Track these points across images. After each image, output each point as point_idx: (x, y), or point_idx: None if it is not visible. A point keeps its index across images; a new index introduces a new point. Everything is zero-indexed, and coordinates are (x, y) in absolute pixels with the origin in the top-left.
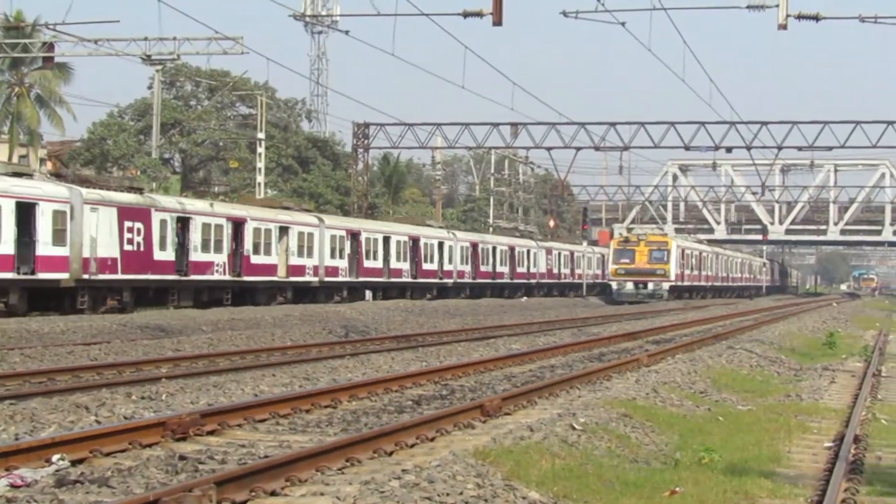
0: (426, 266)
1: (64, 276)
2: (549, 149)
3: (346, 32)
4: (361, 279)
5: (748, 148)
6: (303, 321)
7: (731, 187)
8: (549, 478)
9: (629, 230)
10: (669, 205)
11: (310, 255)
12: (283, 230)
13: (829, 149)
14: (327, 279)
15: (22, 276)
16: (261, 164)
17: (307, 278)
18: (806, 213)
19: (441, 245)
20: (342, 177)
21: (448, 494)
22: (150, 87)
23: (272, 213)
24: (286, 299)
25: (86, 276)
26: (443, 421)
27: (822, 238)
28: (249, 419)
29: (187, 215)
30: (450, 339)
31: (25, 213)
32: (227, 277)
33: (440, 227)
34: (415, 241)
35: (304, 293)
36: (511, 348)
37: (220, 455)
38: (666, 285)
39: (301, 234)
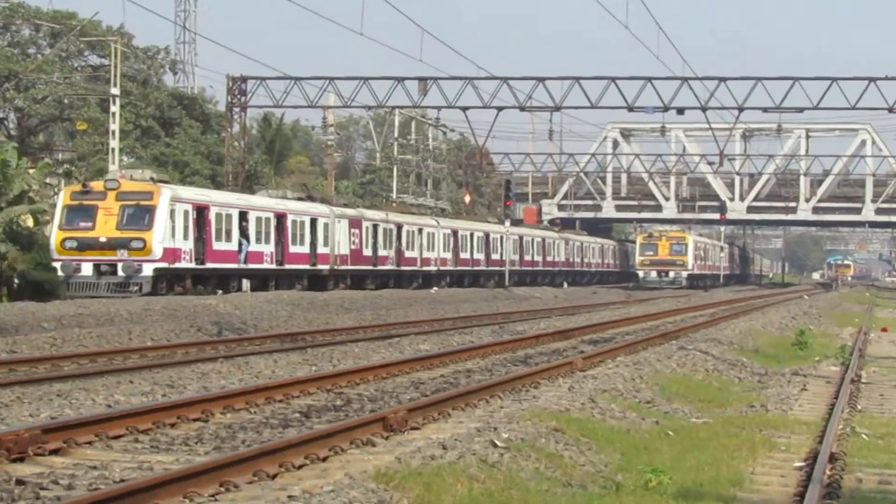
0: (493, 256)
1: (326, 267)
2: (464, 108)
3: None
4: (459, 268)
5: (703, 109)
6: (165, 317)
7: (683, 156)
8: None
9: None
10: (609, 177)
11: (432, 249)
12: (420, 231)
13: (800, 110)
14: (442, 268)
15: (310, 267)
16: (115, 126)
17: (431, 268)
18: (772, 188)
19: (502, 238)
20: (214, 142)
21: None
22: None
23: (413, 218)
24: (419, 285)
25: (335, 268)
26: (337, 437)
27: (790, 218)
28: (102, 435)
29: (377, 223)
30: (345, 339)
31: (313, 225)
32: (393, 267)
33: (498, 224)
34: (487, 235)
35: (426, 279)
36: (419, 349)
37: (67, 479)
38: (684, 273)
39: (430, 233)
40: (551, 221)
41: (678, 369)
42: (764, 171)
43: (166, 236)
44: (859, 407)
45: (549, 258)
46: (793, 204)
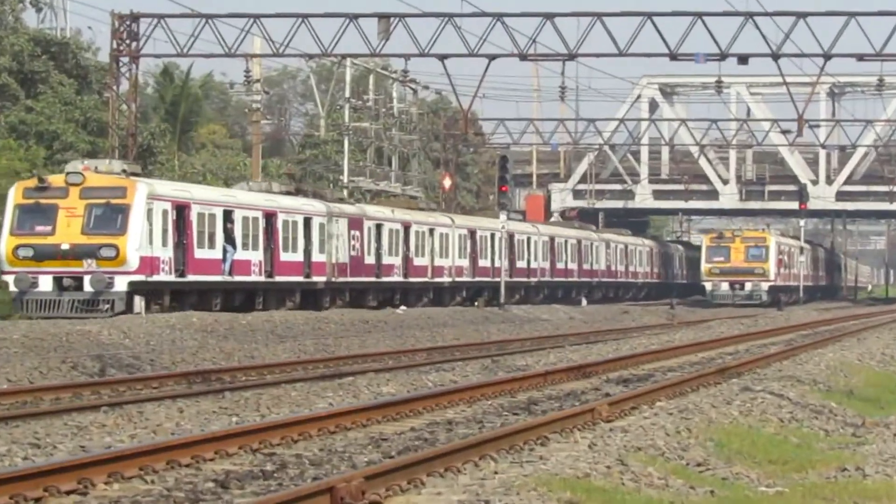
0: (519, 264)
1: (322, 279)
2: (442, 57)
3: None
4: (477, 279)
5: (775, 57)
6: (27, 349)
7: (747, 122)
8: None
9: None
10: (644, 151)
11: (446, 255)
12: (431, 232)
13: None
14: (457, 279)
15: (304, 280)
16: None
17: (444, 279)
18: (871, 166)
19: (529, 240)
20: (93, 104)
21: None
22: None
23: (422, 215)
24: (429, 300)
25: (332, 280)
26: None
27: None
28: None
29: (381, 222)
30: (278, 378)
31: (306, 226)
32: (400, 279)
33: (523, 221)
34: (511, 237)
35: (439, 294)
36: (380, 393)
37: None
38: (764, 286)
39: (442, 235)
40: (564, 214)
41: (741, 419)
42: (860, 142)
43: (143, 242)
44: None
45: (585, 266)
46: None
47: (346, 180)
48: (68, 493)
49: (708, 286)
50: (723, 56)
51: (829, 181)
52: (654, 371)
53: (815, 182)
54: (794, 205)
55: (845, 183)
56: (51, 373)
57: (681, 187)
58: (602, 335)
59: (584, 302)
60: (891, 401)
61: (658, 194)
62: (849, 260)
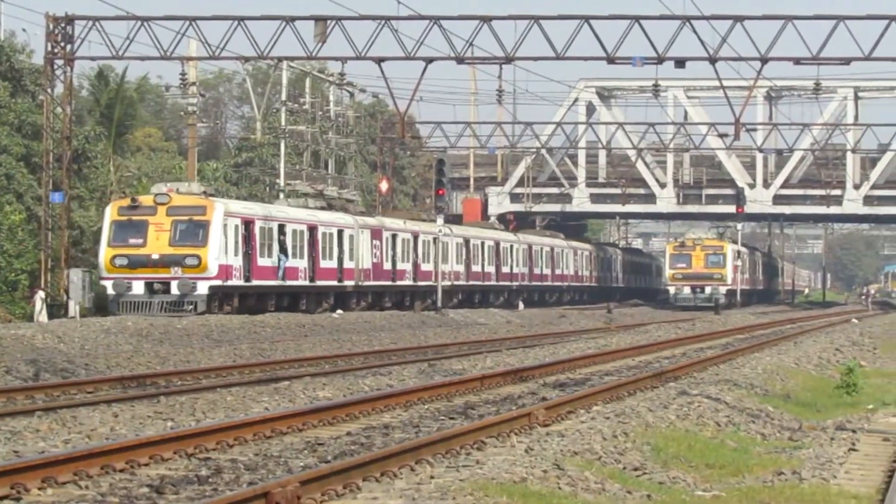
0: (504, 270)
1: (351, 283)
2: (379, 60)
3: None
4: (471, 283)
5: (712, 60)
6: None
7: (685, 126)
8: None
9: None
10: (582, 155)
11: (445, 261)
12: (435, 240)
13: (847, 61)
14: (455, 283)
15: (337, 283)
16: None
17: (445, 283)
18: (808, 170)
19: (512, 247)
20: (27, 108)
21: None
22: None
23: (427, 226)
24: (432, 302)
25: (359, 283)
26: None
27: (833, 211)
28: None
29: (396, 233)
30: (213, 383)
31: (339, 237)
32: (410, 283)
33: (503, 230)
34: (497, 244)
35: (445, 297)
36: (316, 397)
37: None
38: (722, 289)
39: (443, 243)
40: (501, 218)
41: (678, 423)
42: (797, 146)
43: (220, 252)
44: None
45: (557, 271)
46: (837, 192)
47: (282, 183)
48: (1, 498)
49: (671, 290)
50: (660, 59)
51: (767, 185)
52: (591, 375)
53: (752, 186)
54: (732, 208)
55: (782, 187)
56: None
57: (618, 191)
58: (539, 339)
59: (521, 306)
60: (827, 405)
61: (595, 198)
62: (786, 263)
